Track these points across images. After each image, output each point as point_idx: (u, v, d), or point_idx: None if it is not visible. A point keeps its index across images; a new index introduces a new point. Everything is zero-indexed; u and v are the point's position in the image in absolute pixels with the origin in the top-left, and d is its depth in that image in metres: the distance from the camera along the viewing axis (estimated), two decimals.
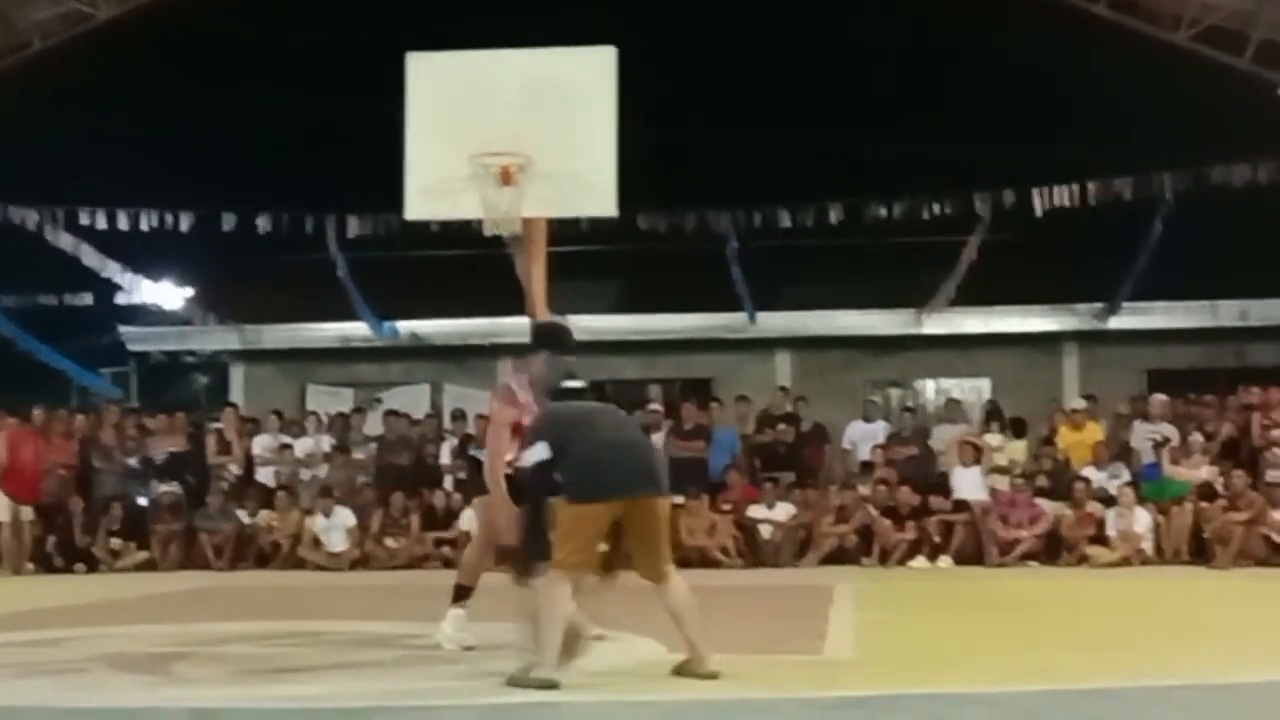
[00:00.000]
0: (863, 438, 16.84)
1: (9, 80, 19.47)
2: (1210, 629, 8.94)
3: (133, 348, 23.32)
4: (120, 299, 22.10)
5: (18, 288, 22.90)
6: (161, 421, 17.37)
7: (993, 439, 16.27)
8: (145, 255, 20.72)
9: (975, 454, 15.86)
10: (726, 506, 15.55)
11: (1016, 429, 16.55)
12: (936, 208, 18.80)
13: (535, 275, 13.40)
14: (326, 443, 17.04)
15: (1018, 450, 16.24)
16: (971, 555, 14.94)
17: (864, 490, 15.60)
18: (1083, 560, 14.61)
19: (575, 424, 6.61)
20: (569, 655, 6.33)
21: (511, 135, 12.70)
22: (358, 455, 17.00)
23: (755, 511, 15.52)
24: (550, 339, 7.60)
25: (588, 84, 13.11)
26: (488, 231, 13.14)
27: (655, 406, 16.97)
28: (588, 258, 18.60)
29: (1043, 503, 15.28)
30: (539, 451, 6.47)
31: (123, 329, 22.48)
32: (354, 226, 19.00)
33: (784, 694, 6.22)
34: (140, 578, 14.60)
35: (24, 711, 5.99)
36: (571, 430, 6.56)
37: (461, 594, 7.82)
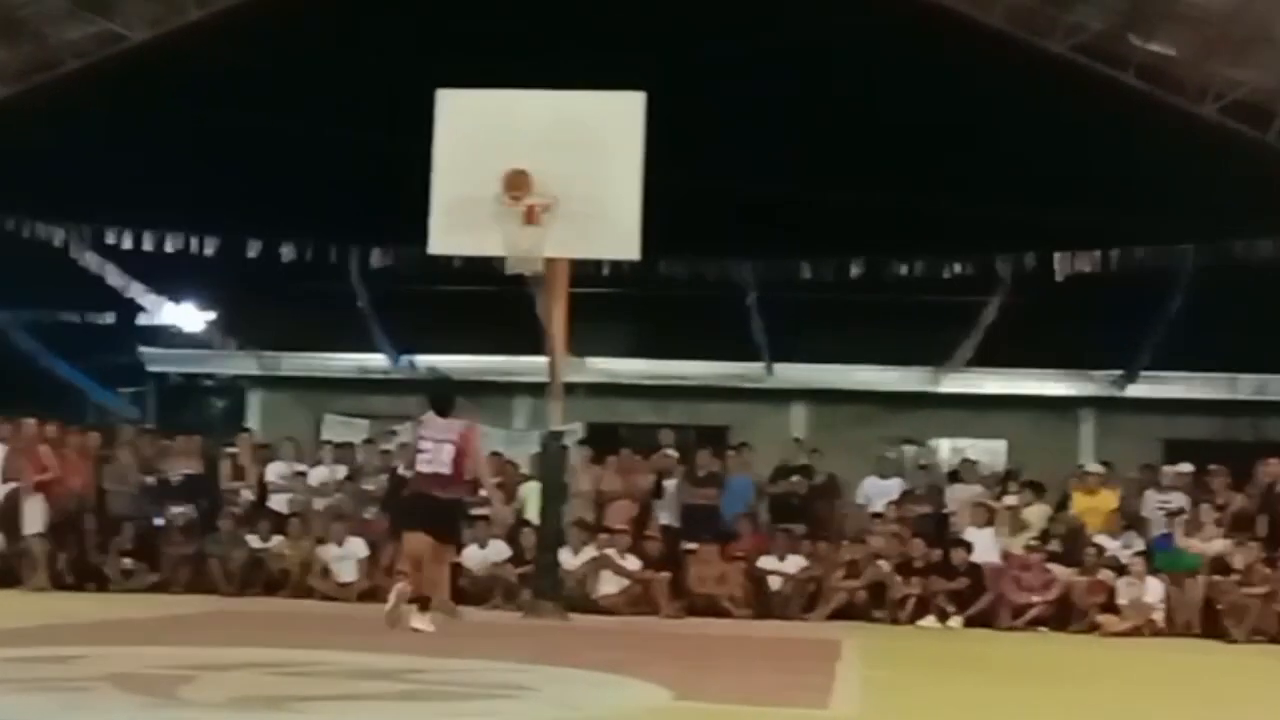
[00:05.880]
0: (877, 494, 16.73)
1: (39, 97, 19.65)
2: (1224, 701, 8.88)
3: (151, 368, 23.40)
4: (141, 319, 22.19)
5: (41, 303, 23.01)
6: (178, 443, 17.38)
7: (1010, 499, 16.16)
8: (168, 277, 20.82)
9: (988, 516, 15.79)
10: (738, 554, 15.49)
11: (1035, 492, 16.41)
12: (957, 267, 18.82)
13: (555, 315, 13.47)
14: (341, 471, 17.00)
15: (1035, 514, 16.13)
16: (982, 617, 14.84)
17: (876, 542, 15.50)
18: (1093, 628, 14.50)
19: None
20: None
21: (537, 175, 12.76)
22: (368, 486, 16.98)
23: (766, 562, 15.45)
24: None
25: (615, 128, 13.19)
26: (510, 270, 13.23)
27: (670, 452, 16.92)
28: (607, 300, 18.66)
29: (1054, 568, 15.19)
30: None
31: (142, 349, 22.56)
32: (376, 258, 19.09)
33: None
34: (150, 599, 14.56)
35: None
36: None
37: None
